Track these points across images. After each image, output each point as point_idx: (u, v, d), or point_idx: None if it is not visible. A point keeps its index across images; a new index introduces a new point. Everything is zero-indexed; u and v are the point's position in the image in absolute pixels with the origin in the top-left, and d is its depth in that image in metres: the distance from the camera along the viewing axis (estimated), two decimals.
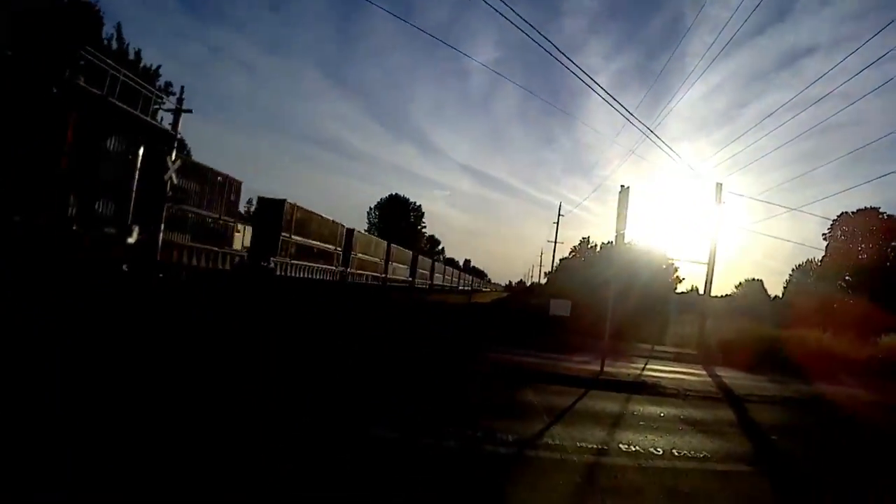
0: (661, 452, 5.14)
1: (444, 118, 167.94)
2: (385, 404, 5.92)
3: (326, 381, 6.76)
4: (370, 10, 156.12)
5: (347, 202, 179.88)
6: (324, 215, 33.04)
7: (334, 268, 35.04)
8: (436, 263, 73.61)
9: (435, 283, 66.41)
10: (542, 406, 6.77)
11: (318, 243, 32.00)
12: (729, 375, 11.86)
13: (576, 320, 17.05)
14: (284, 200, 27.40)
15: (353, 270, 37.32)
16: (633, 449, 5.19)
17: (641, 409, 7.52)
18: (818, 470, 5.18)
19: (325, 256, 33.37)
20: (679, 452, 5.20)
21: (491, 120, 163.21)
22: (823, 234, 48.85)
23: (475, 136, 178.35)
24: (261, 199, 27.00)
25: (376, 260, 46.43)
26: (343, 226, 36.80)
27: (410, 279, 57.13)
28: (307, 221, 29.79)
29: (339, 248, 35.29)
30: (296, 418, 5.14)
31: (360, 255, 39.98)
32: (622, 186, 12.43)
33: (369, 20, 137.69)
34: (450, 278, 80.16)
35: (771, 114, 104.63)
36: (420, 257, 64.18)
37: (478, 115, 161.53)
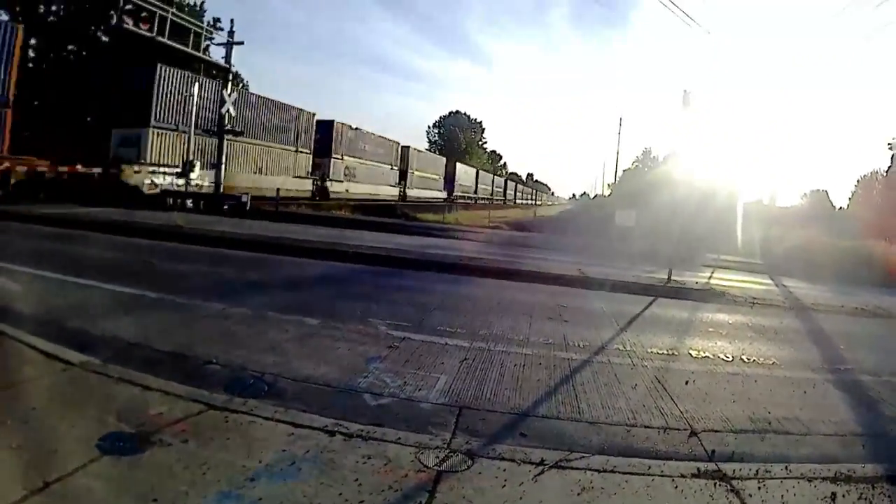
0: (730, 359, 5.20)
1: (499, 30, 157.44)
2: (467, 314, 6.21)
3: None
4: None
5: (408, 123, 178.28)
6: (378, 133, 33.37)
7: (390, 187, 36.18)
8: (496, 178, 72.74)
9: (496, 196, 66.07)
10: (612, 313, 6.82)
11: (373, 163, 32.70)
12: (795, 285, 11.46)
13: (641, 230, 16.45)
14: (333, 121, 27.73)
15: (411, 189, 38.06)
16: (703, 355, 5.25)
17: (710, 316, 7.47)
18: (885, 381, 5.07)
19: (379, 176, 34.30)
20: (748, 359, 5.26)
21: (547, 30, 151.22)
22: (889, 143, 43.59)
23: (534, 48, 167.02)
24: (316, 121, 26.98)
25: (435, 177, 46.93)
26: (398, 143, 37.28)
27: (474, 194, 57.76)
28: (358, 141, 30.24)
29: (396, 167, 36.11)
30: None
31: (417, 172, 40.67)
32: (684, 91, 12.35)
33: None
34: (511, 192, 79.90)
35: None
36: (481, 172, 63.80)
37: (533, 24, 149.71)
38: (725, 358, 5.21)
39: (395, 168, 35.88)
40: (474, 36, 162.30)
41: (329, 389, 3.56)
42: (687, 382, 4.29)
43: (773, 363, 5.25)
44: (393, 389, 3.61)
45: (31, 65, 25.45)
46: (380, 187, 32.87)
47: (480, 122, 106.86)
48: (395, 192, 35.24)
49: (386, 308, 6.00)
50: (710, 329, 6.66)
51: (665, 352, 5.30)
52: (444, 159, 51.58)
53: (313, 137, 26.39)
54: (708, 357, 5.19)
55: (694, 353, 5.37)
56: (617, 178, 40.39)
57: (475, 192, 57.86)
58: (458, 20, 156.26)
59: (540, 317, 6.26)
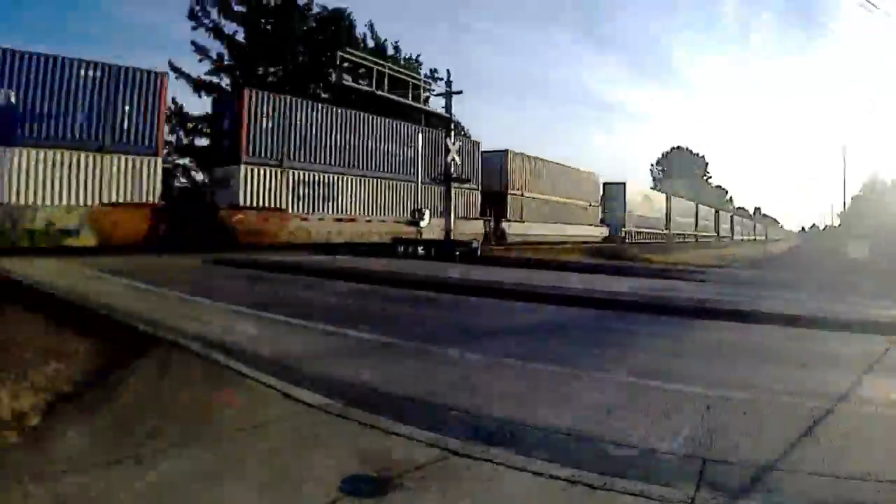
0: None
1: (705, 60, 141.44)
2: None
3: None
4: None
5: (625, 160, 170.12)
6: (573, 166, 31.02)
7: (590, 226, 33.36)
8: (721, 213, 67.27)
9: (722, 234, 59.84)
10: (853, 356, 5.98)
11: (564, 199, 30.21)
12: None
13: (876, 262, 15.26)
14: (507, 151, 25.44)
15: (628, 227, 35.24)
16: None
17: None
18: None
19: (573, 214, 31.66)
20: None
21: (753, 56, 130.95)
22: None
23: (745, 77, 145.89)
24: (482, 153, 25.34)
25: (651, 215, 43.24)
26: (597, 176, 34.45)
27: (694, 231, 52.48)
28: (543, 174, 27.64)
29: (594, 204, 33.93)
30: None
31: (634, 211, 37.85)
32: None
33: None
34: (739, 227, 73.89)
35: None
36: (702, 207, 57.82)
37: (741, 49, 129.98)
38: None
39: (596, 205, 33.51)
40: (684, 68, 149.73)
41: (570, 438, 3.53)
42: None
43: None
44: (635, 440, 3.50)
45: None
46: (575, 227, 30.80)
47: (703, 157, 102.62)
48: (595, 232, 32.79)
49: (622, 354, 5.75)
50: None
51: None
52: (663, 195, 47.47)
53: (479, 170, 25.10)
54: None
55: None
56: (846, 207, 34.95)
57: (695, 228, 52.82)
58: (664, 53, 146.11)
59: (778, 361, 5.73)
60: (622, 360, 5.39)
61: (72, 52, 15.00)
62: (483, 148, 25.81)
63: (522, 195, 26.33)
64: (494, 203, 24.93)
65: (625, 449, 3.35)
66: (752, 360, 5.77)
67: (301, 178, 19.47)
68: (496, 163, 25.48)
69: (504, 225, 24.75)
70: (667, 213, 45.06)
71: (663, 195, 48.18)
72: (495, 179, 25.28)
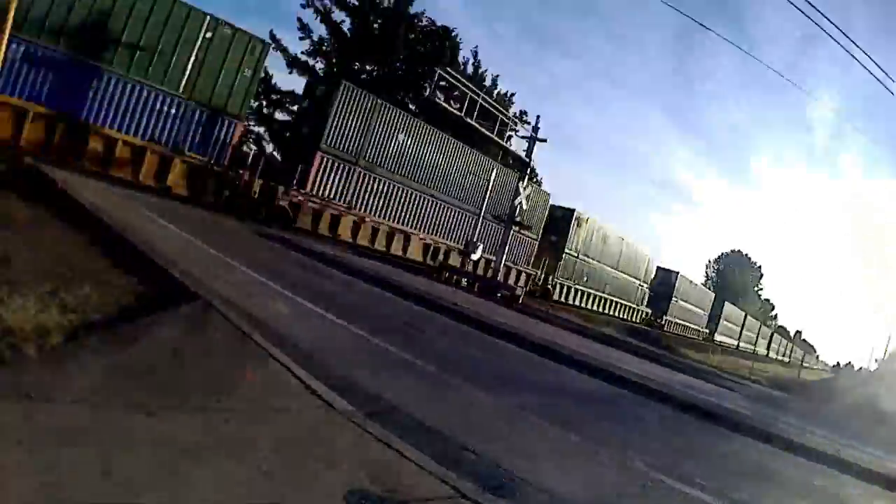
0: None
1: (783, 170, 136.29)
2: None
3: None
4: (711, 49, 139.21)
5: (682, 248, 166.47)
6: (629, 240, 30.61)
7: (635, 304, 33.07)
8: (763, 328, 64.99)
9: (758, 350, 58.08)
10: None
11: (616, 271, 29.87)
12: None
13: None
14: (574, 210, 25.81)
15: (670, 316, 34.40)
16: None
17: None
18: None
19: (622, 288, 31.26)
20: None
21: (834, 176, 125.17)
22: None
23: (816, 196, 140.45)
24: (550, 207, 25.61)
25: (699, 311, 42.17)
26: (650, 258, 34.01)
27: (737, 340, 50.69)
28: (604, 241, 27.68)
29: (644, 284, 33.17)
30: None
31: (680, 301, 37.10)
32: None
33: (710, 59, 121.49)
34: (776, 346, 70.66)
35: None
36: (749, 318, 56.10)
37: (820, 170, 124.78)
38: None
39: (646, 286, 32.79)
40: (759, 171, 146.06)
41: None
42: None
43: None
44: None
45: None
46: (621, 301, 30.16)
47: (760, 266, 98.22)
48: (639, 311, 32.25)
49: (645, 443, 5.65)
50: None
51: None
52: (712, 294, 46.37)
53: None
54: None
55: None
56: (886, 354, 32.50)
57: (739, 337, 51.06)
58: (744, 153, 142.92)
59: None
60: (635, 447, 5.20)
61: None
62: (552, 201, 25.79)
63: (578, 258, 26.00)
64: (550, 257, 24.77)
65: None
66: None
67: (368, 179, 19.52)
68: (562, 219, 25.35)
69: (553, 281, 24.28)
70: (712, 313, 43.63)
71: (713, 294, 47.16)
72: (558, 235, 25.11)
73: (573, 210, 25.44)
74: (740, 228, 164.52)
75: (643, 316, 32.13)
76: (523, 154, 22.32)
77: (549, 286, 23.98)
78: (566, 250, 25.12)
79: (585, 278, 26.64)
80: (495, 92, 33.39)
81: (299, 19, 29.90)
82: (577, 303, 25.40)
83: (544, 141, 21.75)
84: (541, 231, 24.80)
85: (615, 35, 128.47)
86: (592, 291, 27.37)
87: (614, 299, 29.48)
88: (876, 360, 35.04)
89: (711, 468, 5.56)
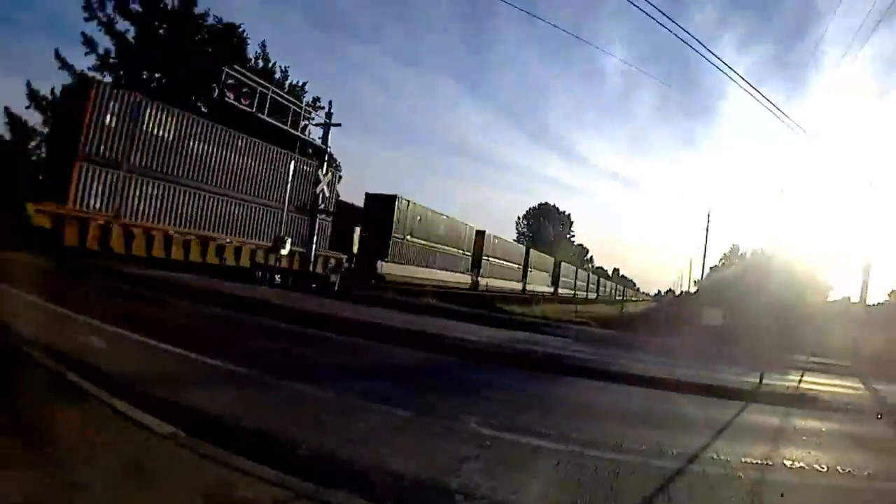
0: (825, 469, 5.25)
1: (583, 122, 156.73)
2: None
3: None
4: (496, 14, 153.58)
5: (496, 213, 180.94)
6: (447, 215, 32.26)
7: (462, 273, 34.73)
8: (580, 271, 70.94)
9: (579, 290, 63.70)
10: (704, 419, 6.90)
11: (440, 245, 31.39)
12: (888, 389, 11.08)
13: (728, 329, 16.40)
14: (396, 196, 26.62)
15: (486, 278, 36.47)
16: (798, 465, 5.30)
17: (803, 423, 7.55)
18: None
19: (448, 261, 32.89)
20: (843, 469, 5.30)
21: (631, 122, 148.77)
22: None
23: (617, 140, 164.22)
24: (368, 196, 26.62)
25: (514, 266, 45.06)
26: (470, 226, 36.02)
27: (553, 288, 55.48)
28: (425, 221, 29.04)
29: (467, 252, 35.08)
30: None
31: (492, 259, 39.29)
32: (780, 190, 11.99)
33: (495, 24, 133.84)
34: (595, 286, 78.13)
35: None
36: (563, 264, 61.63)
37: (617, 117, 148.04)
38: (820, 468, 5.27)
39: (467, 254, 34.56)
40: (561, 131, 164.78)
41: (419, 487, 3.53)
42: (782, 495, 4.32)
43: (868, 474, 5.28)
44: (485, 491, 3.53)
45: None
46: (449, 273, 31.51)
47: (569, 216, 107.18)
48: (466, 279, 33.84)
49: (477, 404, 5.92)
50: (804, 437, 6.72)
51: (759, 461, 5.32)
52: (523, 248, 49.97)
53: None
54: (803, 468, 5.25)
55: (788, 462, 5.39)
56: (704, 275, 38.80)
57: (555, 283, 55.87)
58: (542, 113, 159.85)
59: (631, 422, 6.24)
60: (473, 410, 5.49)
61: None
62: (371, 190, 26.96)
63: (404, 240, 26.91)
64: (377, 242, 25.45)
65: (476, 500, 3.41)
66: (607, 419, 6.12)
67: (144, 185, 17.68)
68: (385, 204, 26.10)
69: (380, 264, 24.72)
70: (524, 266, 46.83)
71: (523, 247, 50.51)
72: (381, 222, 25.96)
73: (395, 196, 26.36)
74: (547, 183, 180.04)
75: (470, 282, 34.07)
76: (319, 142, 22.47)
77: (377, 269, 24.31)
78: (393, 235, 25.92)
79: (414, 257, 27.82)
80: (287, 83, 32.77)
81: (83, 33, 28.13)
82: (411, 280, 26.39)
83: (338, 125, 22.08)
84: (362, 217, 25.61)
85: (404, 17, 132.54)
86: (421, 269, 28.32)
87: (443, 271, 31.03)
88: (695, 283, 40.84)
89: (551, 415, 5.94)
